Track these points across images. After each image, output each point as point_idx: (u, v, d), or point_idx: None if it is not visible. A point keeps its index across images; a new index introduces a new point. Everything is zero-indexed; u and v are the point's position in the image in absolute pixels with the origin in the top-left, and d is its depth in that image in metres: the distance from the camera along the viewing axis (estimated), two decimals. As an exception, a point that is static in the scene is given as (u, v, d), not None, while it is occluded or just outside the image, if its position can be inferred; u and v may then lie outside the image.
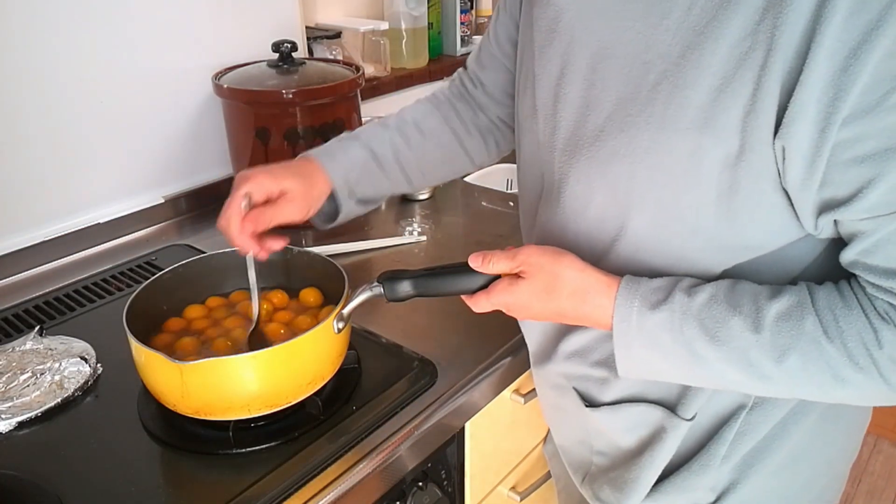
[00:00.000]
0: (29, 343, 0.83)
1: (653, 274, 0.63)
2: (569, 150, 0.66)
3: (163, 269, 0.80)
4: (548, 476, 1.04)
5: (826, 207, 0.55)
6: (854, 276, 0.59)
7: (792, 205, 0.57)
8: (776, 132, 0.53)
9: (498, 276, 0.67)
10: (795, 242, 0.61)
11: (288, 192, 0.74)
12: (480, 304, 0.67)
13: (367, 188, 0.83)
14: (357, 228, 1.17)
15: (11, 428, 0.73)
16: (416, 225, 1.18)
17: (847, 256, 0.58)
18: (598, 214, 0.65)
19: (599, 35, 0.62)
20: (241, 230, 0.69)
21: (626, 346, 0.62)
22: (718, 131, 0.55)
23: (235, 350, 0.74)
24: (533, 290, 0.64)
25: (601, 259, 0.66)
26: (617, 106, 0.61)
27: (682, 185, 0.59)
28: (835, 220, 0.56)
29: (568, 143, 0.66)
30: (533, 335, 0.80)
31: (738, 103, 0.54)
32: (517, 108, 0.76)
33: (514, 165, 0.83)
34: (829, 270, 0.63)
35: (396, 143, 0.86)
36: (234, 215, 0.69)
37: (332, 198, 0.81)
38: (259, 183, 0.72)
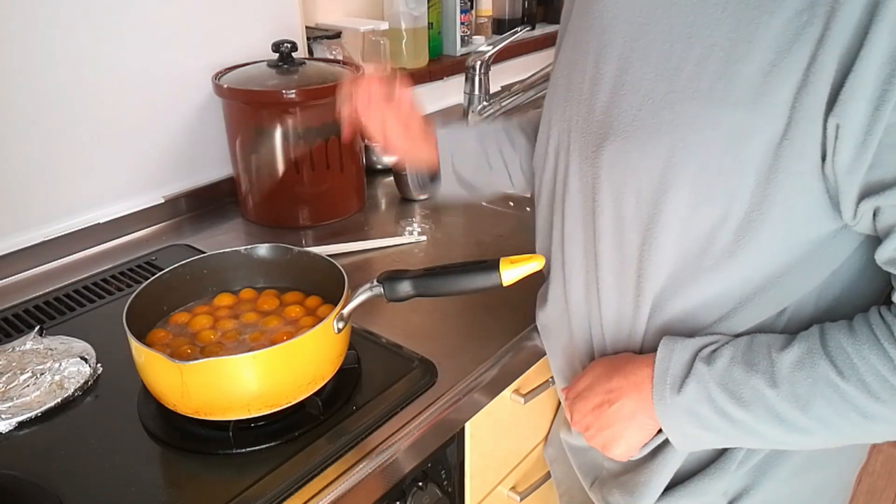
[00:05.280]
0: (29, 343, 0.83)
1: (689, 265, 0.63)
2: (602, 133, 0.64)
3: (163, 269, 0.80)
4: (548, 476, 1.04)
5: (870, 191, 0.54)
6: (871, 307, 0.59)
7: (828, 192, 0.56)
8: (829, 109, 0.52)
9: (497, 262, 0.67)
10: (826, 243, 0.60)
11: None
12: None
13: (468, 166, 0.88)
14: (357, 228, 1.17)
15: (11, 428, 0.73)
16: (416, 225, 1.18)
17: (884, 254, 0.56)
18: (633, 200, 0.63)
19: (640, 10, 0.61)
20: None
21: (675, 427, 0.65)
22: (768, 108, 0.54)
23: (243, 347, 0.74)
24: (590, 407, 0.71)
25: (641, 249, 0.64)
26: (657, 82, 0.60)
27: (722, 165, 0.57)
28: (875, 209, 0.55)
29: (602, 125, 0.64)
30: (558, 353, 0.82)
31: (790, 79, 0.53)
32: (547, 101, 0.75)
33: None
34: (856, 278, 0.63)
35: (500, 138, 0.89)
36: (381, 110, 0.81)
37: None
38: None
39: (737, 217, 0.59)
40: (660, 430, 0.68)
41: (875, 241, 0.58)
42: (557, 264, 0.76)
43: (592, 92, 0.65)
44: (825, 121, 0.52)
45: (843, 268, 0.62)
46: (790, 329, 0.64)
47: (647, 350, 0.70)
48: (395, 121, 0.82)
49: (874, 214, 0.55)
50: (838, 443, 0.62)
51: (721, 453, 0.70)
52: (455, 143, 0.87)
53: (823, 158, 0.54)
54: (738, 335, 0.64)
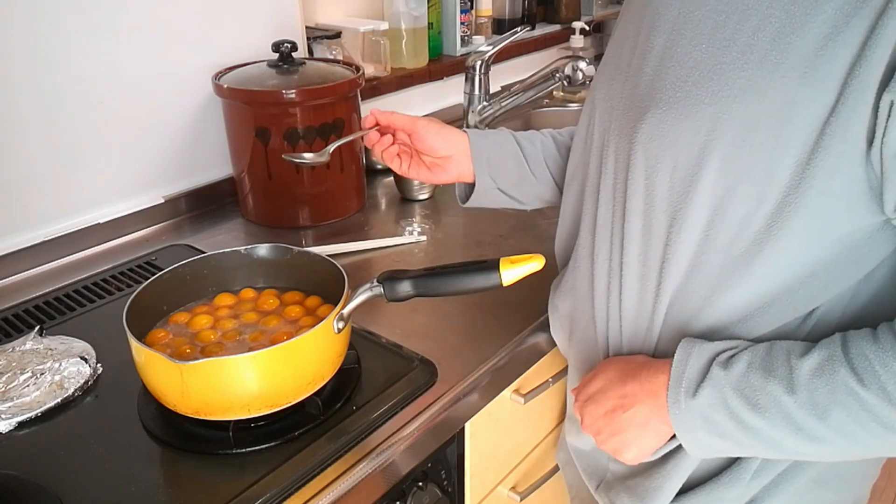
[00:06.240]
0: (29, 343, 0.83)
1: (715, 254, 0.61)
2: (643, 106, 0.62)
3: (163, 269, 0.80)
4: (548, 476, 1.04)
5: None
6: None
7: (868, 182, 0.54)
8: (884, 86, 0.50)
9: (497, 262, 0.67)
10: (860, 243, 0.58)
11: (450, 166, 0.86)
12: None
13: (510, 176, 0.87)
14: (357, 228, 1.17)
15: (11, 428, 0.73)
16: (416, 225, 1.18)
17: None
18: (667, 177, 0.62)
19: None
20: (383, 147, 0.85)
21: (688, 433, 0.63)
22: (818, 81, 0.53)
23: (241, 348, 0.74)
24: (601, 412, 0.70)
25: (668, 232, 0.63)
26: (707, 53, 0.58)
27: (765, 141, 0.56)
28: None
29: (645, 98, 0.62)
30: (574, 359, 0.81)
31: (845, 53, 0.51)
32: (594, 81, 0.74)
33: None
34: (888, 286, 0.61)
35: (546, 143, 0.89)
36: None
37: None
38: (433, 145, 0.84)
39: (772, 201, 0.57)
40: (674, 435, 0.66)
41: None
42: (586, 252, 0.75)
43: (640, 65, 0.64)
44: (878, 98, 0.51)
45: (875, 273, 0.61)
46: (815, 336, 0.61)
47: (661, 350, 0.68)
48: (405, 154, 0.87)
49: None
50: (857, 455, 0.60)
51: (736, 461, 0.68)
52: (491, 153, 0.86)
53: (870, 143, 0.53)
54: (760, 339, 0.63)
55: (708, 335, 0.65)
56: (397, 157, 0.87)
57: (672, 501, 0.71)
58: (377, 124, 0.85)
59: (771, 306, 0.62)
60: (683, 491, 0.71)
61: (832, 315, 0.62)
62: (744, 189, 0.58)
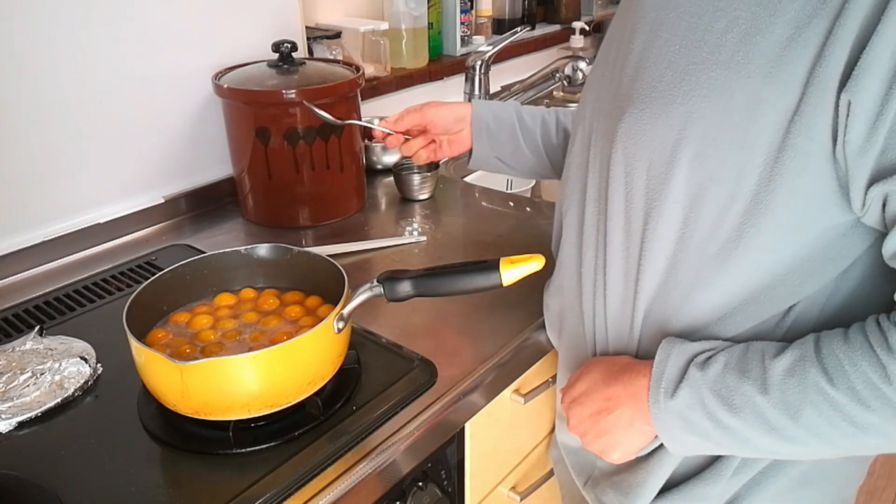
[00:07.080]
0: (29, 343, 0.83)
1: (692, 252, 0.62)
2: (623, 106, 0.64)
3: (163, 269, 0.80)
4: (548, 476, 1.04)
5: (880, 176, 0.52)
6: (870, 316, 0.57)
7: (837, 180, 0.55)
8: (842, 85, 0.51)
9: (497, 262, 0.67)
10: (835, 240, 0.59)
11: (456, 142, 0.99)
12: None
13: (506, 147, 0.98)
14: (357, 228, 1.17)
15: (11, 428, 0.73)
16: (416, 225, 1.18)
17: (891, 247, 0.55)
18: (643, 175, 0.63)
19: None
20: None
21: (668, 432, 0.64)
22: (782, 81, 0.54)
23: (242, 348, 0.74)
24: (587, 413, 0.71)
25: (644, 229, 0.64)
26: (680, 53, 0.60)
27: (733, 139, 0.57)
28: (885, 196, 0.53)
29: (625, 98, 0.64)
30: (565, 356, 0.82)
31: (806, 53, 0.53)
32: (586, 85, 0.76)
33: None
34: (865, 285, 0.61)
35: (547, 121, 0.97)
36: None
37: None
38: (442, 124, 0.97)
39: (743, 200, 0.58)
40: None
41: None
42: (573, 250, 0.76)
43: (623, 66, 0.66)
44: (838, 97, 0.52)
45: (852, 271, 0.61)
46: (794, 334, 0.62)
47: (643, 348, 0.69)
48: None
49: (883, 204, 0.54)
50: (832, 454, 0.60)
51: (717, 458, 0.69)
52: (490, 123, 0.96)
53: (835, 141, 0.53)
54: (739, 337, 0.64)
55: (688, 334, 0.66)
56: (422, 153, 0.99)
57: (655, 498, 0.72)
58: (385, 137, 0.98)
59: (749, 304, 0.62)
60: (667, 488, 0.71)
61: (810, 313, 0.63)
62: (715, 187, 0.59)
